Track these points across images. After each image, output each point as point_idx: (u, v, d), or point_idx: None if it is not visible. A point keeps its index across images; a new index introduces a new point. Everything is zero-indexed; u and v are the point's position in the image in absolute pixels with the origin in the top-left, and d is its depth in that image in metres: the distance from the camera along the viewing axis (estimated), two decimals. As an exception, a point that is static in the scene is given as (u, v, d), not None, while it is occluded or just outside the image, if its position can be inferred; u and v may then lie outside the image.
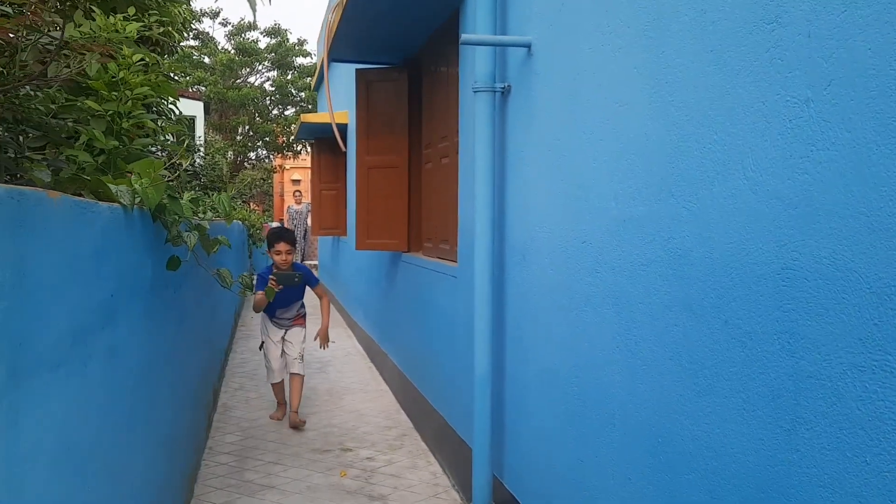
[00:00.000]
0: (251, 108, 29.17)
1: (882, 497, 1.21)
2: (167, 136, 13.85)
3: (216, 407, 5.58)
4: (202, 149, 19.44)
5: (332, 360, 7.43)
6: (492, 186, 3.06)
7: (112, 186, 2.03)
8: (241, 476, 4.15)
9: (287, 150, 29.21)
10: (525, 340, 2.91)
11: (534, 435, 2.84)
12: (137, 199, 2.09)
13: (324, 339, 5.37)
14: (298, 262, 6.07)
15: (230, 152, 31.42)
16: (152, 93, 4.12)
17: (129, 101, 3.89)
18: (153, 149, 5.79)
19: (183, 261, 2.39)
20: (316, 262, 16.33)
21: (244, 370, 6.96)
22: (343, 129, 8.08)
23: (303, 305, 5.48)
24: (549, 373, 2.66)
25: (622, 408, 2.11)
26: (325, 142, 10.07)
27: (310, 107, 25.74)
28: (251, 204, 26.94)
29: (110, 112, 3.66)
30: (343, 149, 4.82)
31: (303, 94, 28.34)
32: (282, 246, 5.08)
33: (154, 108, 14.36)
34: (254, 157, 34.65)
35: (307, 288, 5.32)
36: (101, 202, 1.80)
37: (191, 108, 22.95)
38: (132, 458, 2.25)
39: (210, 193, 15.23)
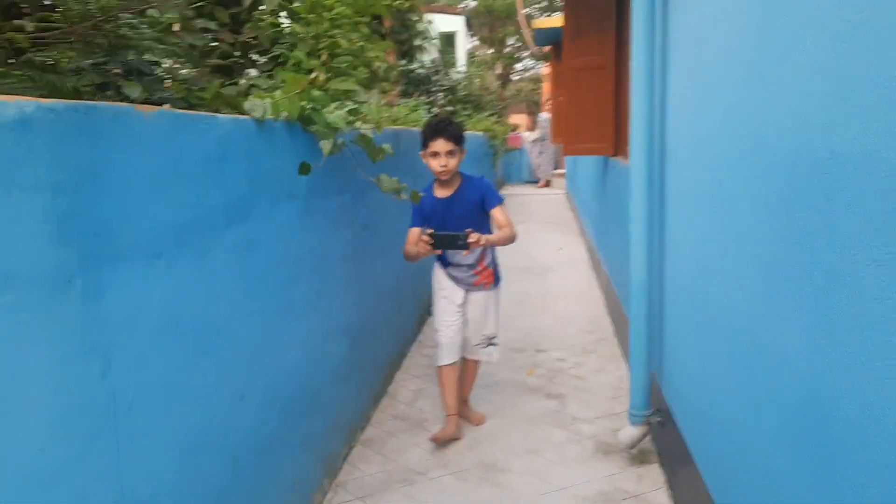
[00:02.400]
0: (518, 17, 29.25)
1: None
2: (424, 50, 14.40)
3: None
4: (458, 64, 20.08)
5: (555, 267, 7.55)
6: (649, 80, 2.89)
7: (247, 103, 2.29)
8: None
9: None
10: (676, 246, 2.77)
11: (676, 342, 2.74)
12: (268, 113, 2.33)
13: (482, 238, 3.10)
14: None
15: (498, 65, 32.05)
16: (348, 12, 4.42)
17: (326, 23, 4.22)
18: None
19: (315, 166, 2.62)
20: (564, 171, 16.36)
21: (470, 274, 7.35)
22: (559, 33, 7.89)
23: (486, 252, 3.44)
24: (683, 279, 2.54)
25: (726, 315, 1.97)
26: (560, 48, 9.91)
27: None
28: (511, 115, 27.36)
29: (311, 35, 4.02)
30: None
31: None
32: (440, 144, 3.21)
33: (410, 28, 15.04)
34: (521, 68, 34.93)
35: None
36: (219, 115, 2.05)
37: (450, 23, 23.67)
38: (289, 337, 2.59)
39: (466, 107, 15.82)
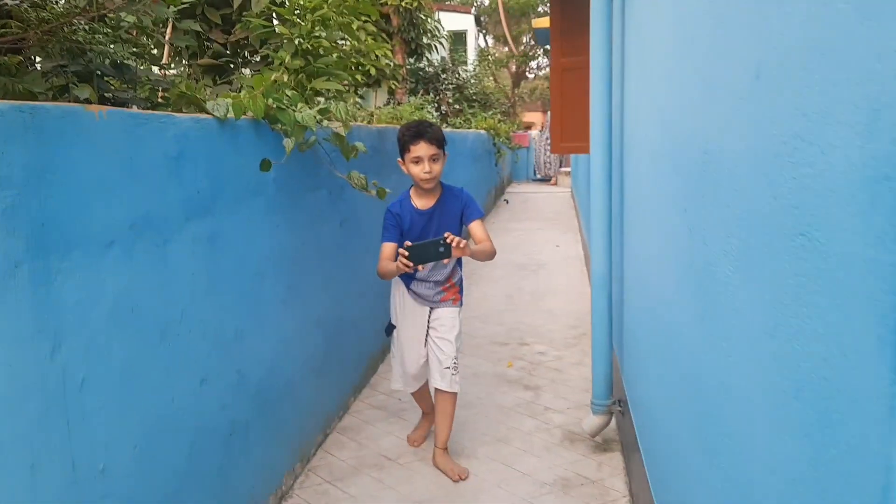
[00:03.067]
0: (532, 15, 29.30)
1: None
2: (435, 47, 14.44)
3: (425, 301, 6.13)
4: (468, 63, 20.16)
5: (549, 264, 7.63)
6: (607, 79, 2.99)
7: (209, 103, 2.41)
8: (421, 361, 4.60)
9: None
10: (630, 240, 2.87)
11: (630, 333, 2.84)
12: (230, 112, 2.44)
13: (461, 242, 2.74)
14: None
15: (511, 63, 32.18)
16: (332, 14, 4.54)
17: (310, 24, 4.35)
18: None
19: (275, 163, 2.73)
20: (569, 169, 16.41)
21: (466, 270, 7.45)
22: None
23: (459, 263, 3.24)
24: (635, 271, 2.63)
25: (657, 306, 2.07)
26: (560, 46, 9.99)
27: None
28: (525, 114, 27.42)
29: (296, 36, 4.14)
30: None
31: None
32: (422, 148, 2.92)
33: (418, 27, 15.14)
34: (535, 66, 34.96)
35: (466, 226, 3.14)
36: (177, 114, 2.17)
37: (460, 22, 23.73)
38: (257, 328, 2.71)
39: (473, 105, 15.93)
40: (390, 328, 3.28)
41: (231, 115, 2.44)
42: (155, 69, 3.49)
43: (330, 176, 3.49)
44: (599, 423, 3.23)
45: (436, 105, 15.95)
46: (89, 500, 1.75)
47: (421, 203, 3.07)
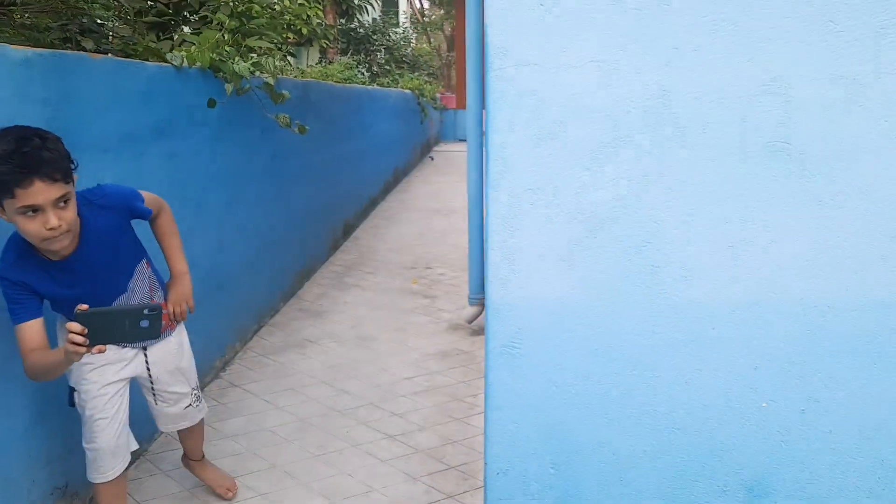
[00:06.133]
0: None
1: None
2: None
3: (348, 236, 7.00)
4: (399, 25, 20.80)
5: (459, 210, 8.54)
6: (478, 29, 3.88)
7: (168, 55, 3.21)
8: (341, 279, 5.51)
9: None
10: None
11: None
12: (184, 62, 3.24)
13: (181, 305, 2.39)
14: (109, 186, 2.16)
15: (447, 25, 32.76)
16: (265, -19, 5.23)
17: (245, -10, 5.05)
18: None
19: (220, 102, 3.55)
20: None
21: (387, 215, 8.36)
22: None
23: (152, 279, 2.32)
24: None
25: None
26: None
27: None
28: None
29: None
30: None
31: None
32: (39, 191, 1.72)
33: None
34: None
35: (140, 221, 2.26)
36: (148, 62, 2.97)
37: (393, -16, 24.20)
38: (203, 228, 3.54)
39: (402, 67, 16.66)
40: (72, 395, 2.17)
41: (185, 64, 3.24)
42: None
43: (263, 117, 4.30)
44: (474, 312, 4.20)
45: (367, 66, 16.65)
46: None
47: (54, 252, 1.92)
